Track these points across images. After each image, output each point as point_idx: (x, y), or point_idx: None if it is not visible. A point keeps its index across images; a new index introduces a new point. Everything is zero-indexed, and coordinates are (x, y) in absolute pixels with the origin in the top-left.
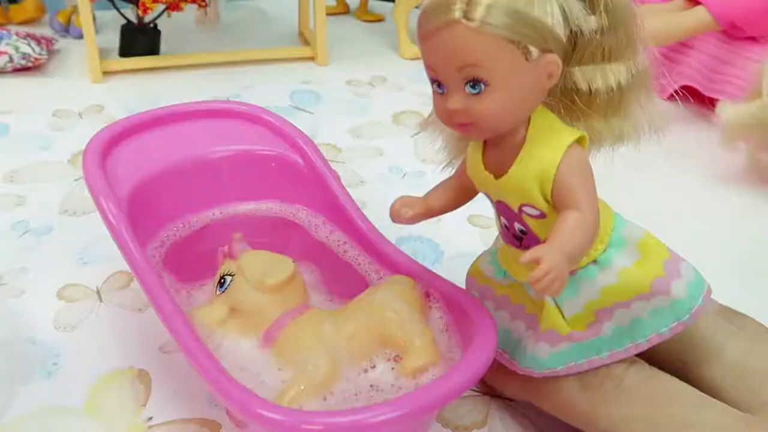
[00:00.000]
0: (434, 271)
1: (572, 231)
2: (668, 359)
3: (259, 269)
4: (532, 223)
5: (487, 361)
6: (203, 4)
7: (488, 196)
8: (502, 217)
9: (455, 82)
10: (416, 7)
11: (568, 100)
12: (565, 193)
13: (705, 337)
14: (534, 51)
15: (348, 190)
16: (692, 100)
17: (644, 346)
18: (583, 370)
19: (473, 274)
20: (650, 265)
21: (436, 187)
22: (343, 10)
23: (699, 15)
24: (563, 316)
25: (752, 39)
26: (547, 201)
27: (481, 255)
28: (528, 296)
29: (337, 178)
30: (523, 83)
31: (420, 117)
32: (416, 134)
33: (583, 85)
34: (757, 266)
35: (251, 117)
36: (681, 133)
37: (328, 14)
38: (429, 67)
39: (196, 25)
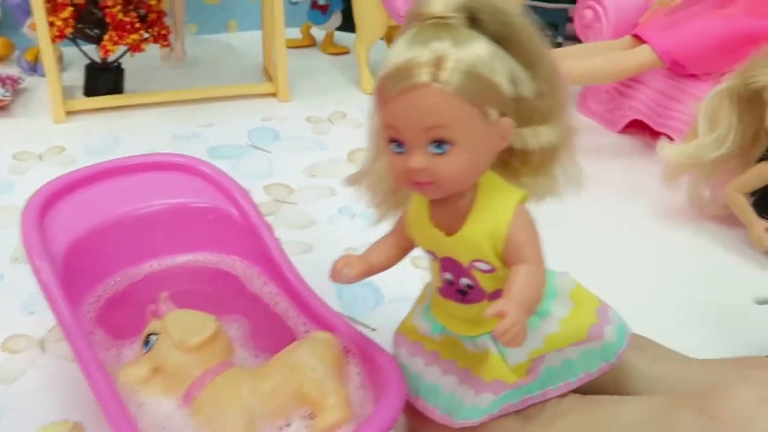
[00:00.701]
0: (374, 314)
1: (526, 284)
2: (589, 389)
3: (181, 329)
4: (480, 278)
5: (393, 418)
6: (165, 44)
7: (431, 253)
8: (446, 273)
9: (419, 142)
10: (381, 39)
11: (503, 160)
12: (515, 248)
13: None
14: (493, 114)
15: (297, 232)
16: (645, 133)
17: (574, 385)
18: (518, 409)
19: (404, 330)
20: (585, 313)
21: (376, 244)
22: (309, 42)
23: (644, 53)
24: (508, 366)
25: (695, 76)
26: (497, 256)
27: (411, 311)
28: (459, 351)
29: (271, 231)
30: (483, 144)
31: None
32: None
33: (518, 146)
34: (695, 300)
35: (190, 169)
36: (631, 166)
37: (294, 47)
38: (391, 127)
39: (162, 63)
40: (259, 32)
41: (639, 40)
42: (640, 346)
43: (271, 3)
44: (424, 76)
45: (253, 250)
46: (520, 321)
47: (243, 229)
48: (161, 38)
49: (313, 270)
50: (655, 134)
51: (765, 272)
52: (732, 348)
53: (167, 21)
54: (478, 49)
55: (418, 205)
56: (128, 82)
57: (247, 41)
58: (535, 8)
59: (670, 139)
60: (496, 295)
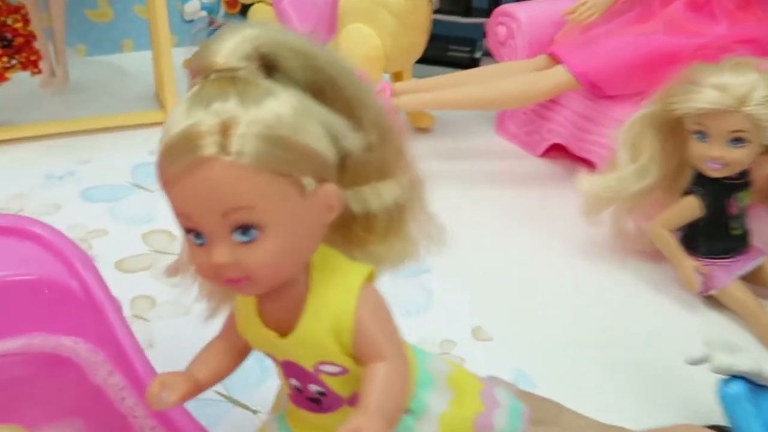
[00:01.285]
0: (258, 392)
1: (386, 387)
2: None
3: None
4: (332, 382)
5: None
6: (36, 70)
7: (270, 356)
8: (291, 379)
9: (219, 231)
10: None
11: (344, 228)
12: (368, 343)
13: None
14: (309, 182)
15: (176, 289)
16: (568, 157)
17: None
18: None
19: None
20: (467, 401)
21: (202, 353)
22: None
23: (560, 75)
24: None
25: (616, 98)
26: (347, 354)
27: (266, 422)
28: None
29: (118, 308)
30: (302, 221)
31: None
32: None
33: (358, 209)
34: (619, 349)
35: (19, 232)
36: (551, 194)
37: None
38: (182, 215)
39: (42, 89)
40: None
41: (554, 59)
42: (548, 417)
43: (156, 21)
44: (208, 147)
45: (98, 331)
46: None
47: (85, 306)
48: (31, 64)
49: (189, 337)
50: (579, 158)
51: (695, 314)
52: (660, 408)
53: (40, 43)
54: (277, 106)
55: (243, 301)
56: (2, 113)
57: (142, 62)
58: (450, 23)
59: (591, 165)
60: (357, 398)
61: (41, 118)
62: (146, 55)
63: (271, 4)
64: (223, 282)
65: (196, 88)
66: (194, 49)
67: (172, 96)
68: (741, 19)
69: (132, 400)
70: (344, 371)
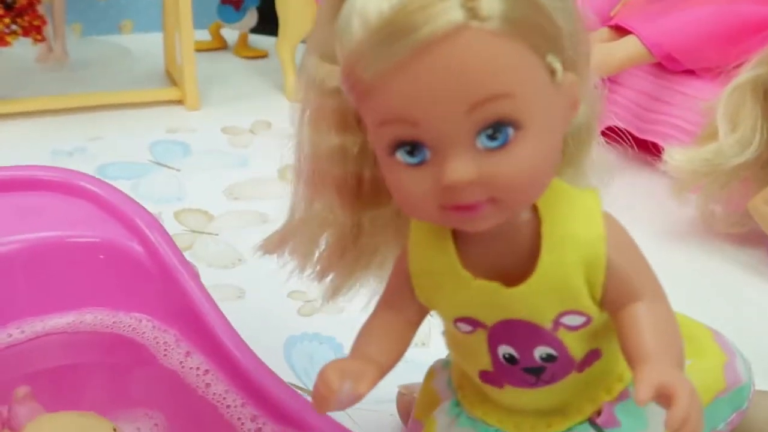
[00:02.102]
0: None
1: (659, 327)
2: None
3: None
4: (570, 340)
5: None
6: (39, 38)
7: (470, 322)
8: (503, 347)
9: (459, 135)
10: (303, 42)
11: None
12: (623, 278)
13: None
14: (558, 67)
15: (221, 272)
16: (624, 143)
17: None
18: None
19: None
20: (704, 349)
21: (369, 331)
22: (219, 45)
23: (630, 46)
24: None
25: (690, 73)
26: (593, 298)
27: (438, 410)
28: None
29: (195, 275)
30: (555, 120)
31: None
32: None
33: None
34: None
35: (69, 188)
36: (617, 183)
37: (202, 50)
38: (395, 122)
39: (38, 63)
40: (160, 34)
41: (620, 31)
42: None
43: None
44: (452, 12)
45: (169, 305)
46: (696, 397)
47: (152, 276)
48: (33, 30)
49: (248, 323)
50: (638, 144)
51: None
52: None
53: (42, 10)
54: None
55: (430, 251)
56: None
57: (145, 43)
58: None
59: (656, 147)
60: (588, 361)
61: (43, 94)
62: (149, 37)
63: None
64: (450, 213)
65: None
66: (203, 32)
67: (192, 72)
68: None
69: (220, 386)
70: (588, 321)
